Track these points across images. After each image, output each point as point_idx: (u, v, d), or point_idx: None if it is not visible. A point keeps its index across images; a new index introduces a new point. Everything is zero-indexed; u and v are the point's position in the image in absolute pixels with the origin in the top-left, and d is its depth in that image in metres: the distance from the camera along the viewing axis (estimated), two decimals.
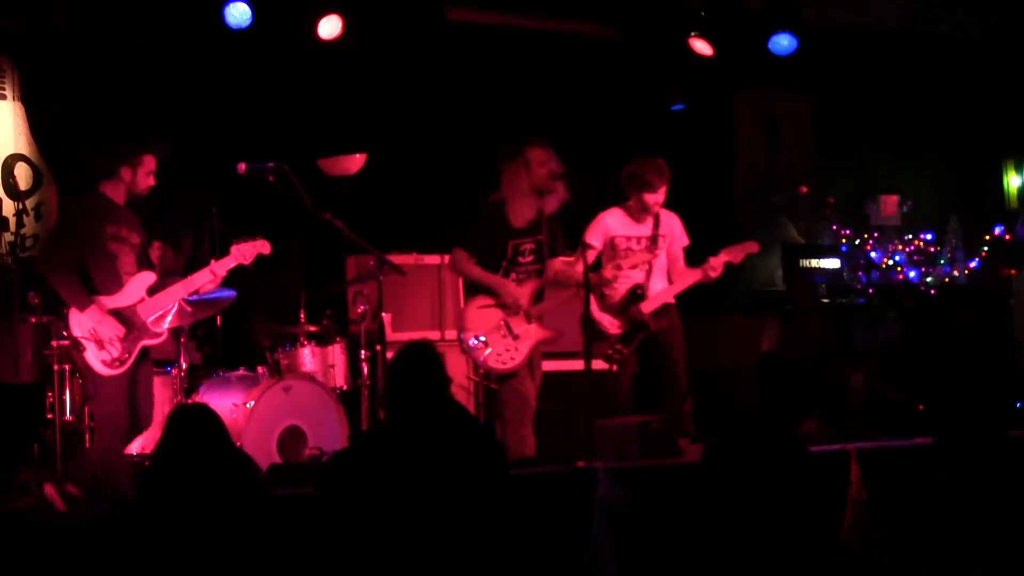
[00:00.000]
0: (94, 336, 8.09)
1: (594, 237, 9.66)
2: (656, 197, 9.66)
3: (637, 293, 9.67)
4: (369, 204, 11.01)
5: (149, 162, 8.42)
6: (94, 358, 8.12)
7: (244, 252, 8.53)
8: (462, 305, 9.66)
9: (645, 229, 9.77)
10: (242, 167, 8.69)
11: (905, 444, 8.37)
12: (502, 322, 9.03)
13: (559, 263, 9.19)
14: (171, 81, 11.19)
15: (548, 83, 12.33)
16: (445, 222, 10.60)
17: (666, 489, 7.59)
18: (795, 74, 13.02)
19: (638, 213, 9.77)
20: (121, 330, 8.16)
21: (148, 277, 8.39)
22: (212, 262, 8.53)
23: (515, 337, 9.02)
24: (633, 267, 9.50)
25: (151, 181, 8.45)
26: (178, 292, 8.44)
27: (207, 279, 8.47)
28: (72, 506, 7.63)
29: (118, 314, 8.20)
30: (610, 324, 9.65)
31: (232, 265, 8.51)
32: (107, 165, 8.42)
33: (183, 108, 11.13)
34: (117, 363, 8.17)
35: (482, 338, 8.95)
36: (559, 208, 9.19)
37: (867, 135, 13.77)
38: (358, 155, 11.03)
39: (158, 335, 8.39)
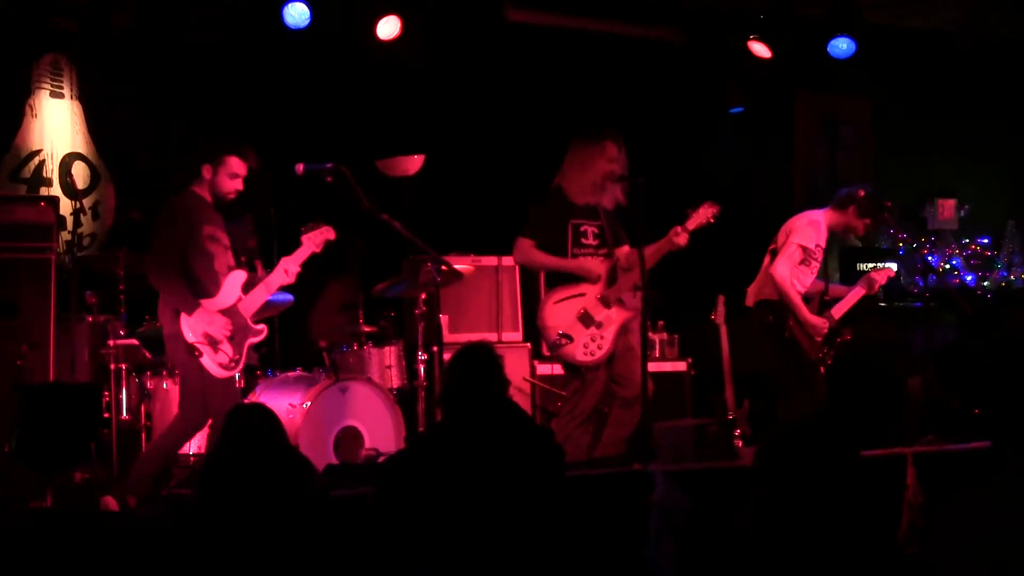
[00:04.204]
0: (208, 339, 8.06)
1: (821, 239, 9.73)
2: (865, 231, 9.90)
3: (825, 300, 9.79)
4: (427, 205, 10.98)
5: (231, 163, 8.35)
6: (211, 362, 8.08)
7: (314, 240, 8.55)
8: (543, 295, 9.39)
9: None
10: (300, 167, 8.69)
11: (962, 448, 8.32)
12: (583, 311, 8.93)
13: (625, 250, 9.11)
14: (228, 81, 11.23)
15: (606, 85, 12.31)
16: (503, 223, 10.58)
17: (723, 492, 7.56)
18: (855, 77, 12.97)
19: (845, 231, 9.78)
20: (230, 329, 8.15)
21: (241, 275, 8.39)
22: (283, 259, 8.47)
23: (598, 325, 8.91)
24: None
25: (237, 185, 8.41)
26: (263, 292, 8.43)
27: (282, 278, 8.42)
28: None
29: (224, 314, 8.20)
30: (822, 327, 9.63)
31: (306, 255, 8.50)
32: (192, 166, 8.41)
33: (240, 108, 11.16)
34: (232, 364, 8.21)
35: (563, 332, 8.88)
36: (613, 209, 9.15)
37: (925, 138, 13.71)
38: (416, 156, 11.01)
39: (259, 332, 8.44)
